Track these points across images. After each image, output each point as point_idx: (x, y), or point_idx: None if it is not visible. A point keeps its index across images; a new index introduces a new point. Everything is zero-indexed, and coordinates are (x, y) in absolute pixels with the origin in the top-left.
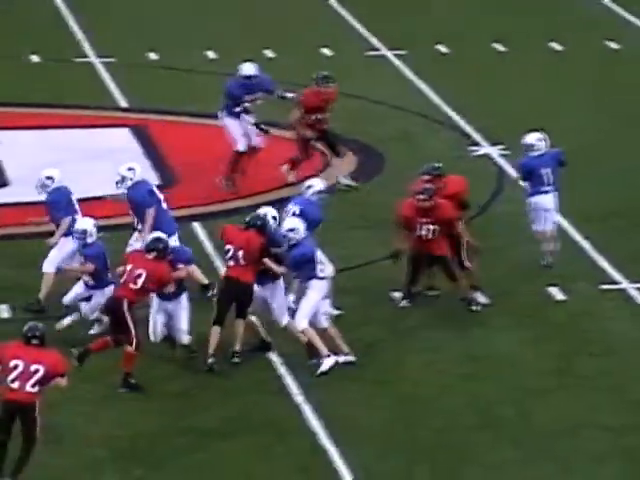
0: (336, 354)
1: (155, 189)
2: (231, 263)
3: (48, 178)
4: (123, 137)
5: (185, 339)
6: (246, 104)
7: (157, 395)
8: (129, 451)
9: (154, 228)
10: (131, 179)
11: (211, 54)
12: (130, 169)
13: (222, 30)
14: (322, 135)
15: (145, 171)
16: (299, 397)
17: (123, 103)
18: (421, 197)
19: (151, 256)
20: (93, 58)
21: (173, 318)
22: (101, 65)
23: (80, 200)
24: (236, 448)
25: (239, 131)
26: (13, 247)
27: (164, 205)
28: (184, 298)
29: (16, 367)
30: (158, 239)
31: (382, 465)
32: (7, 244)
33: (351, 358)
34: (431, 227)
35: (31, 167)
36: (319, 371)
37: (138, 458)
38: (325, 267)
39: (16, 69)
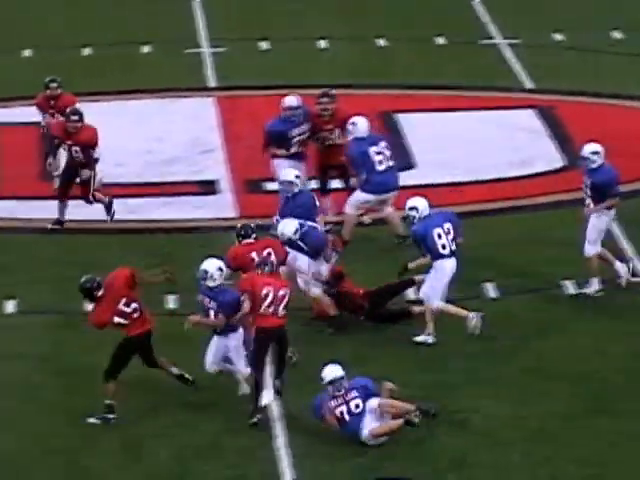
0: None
1: (370, 150)
2: None
3: (594, 153)
4: (529, 118)
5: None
6: None
7: (559, 375)
8: (537, 432)
9: (370, 186)
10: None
11: (617, 34)
12: (353, 123)
13: (628, 10)
14: None
15: (550, 153)
16: None
17: (529, 84)
18: None
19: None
20: (499, 39)
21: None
22: (507, 46)
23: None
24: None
25: None
26: None
27: (381, 166)
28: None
29: (268, 295)
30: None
31: None
32: None
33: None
34: None
35: (439, 149)
36: (416, 339)
37: (546, 439)
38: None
39: (424, 52)
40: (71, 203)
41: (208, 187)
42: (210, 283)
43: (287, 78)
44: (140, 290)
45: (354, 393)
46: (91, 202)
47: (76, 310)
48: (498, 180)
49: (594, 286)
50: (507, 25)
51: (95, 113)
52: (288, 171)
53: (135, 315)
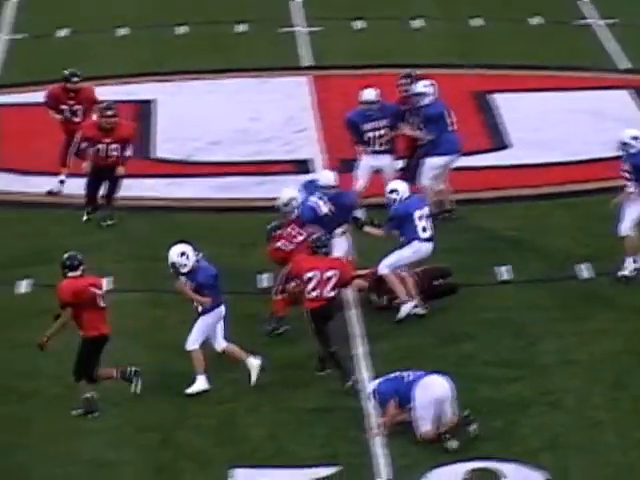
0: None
1: (446, 111)
2: None
3: (634, 138)
4: (624, 99)
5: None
6: None
7: None
8: (630, 414)
9: (441, 147)
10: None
11: None
12: (432, 84)
13: None
14: None
15: None
16: None
17: (624, 65)
18: None
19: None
20: (594, 20)
21: None
22: (602, 27)
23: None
24: None
25: None
26: (510, 210)
27: (452, 127)
28: None
29: (312, 279)
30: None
31: None
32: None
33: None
34: None
35: (532, 130)
36: (397, 317)
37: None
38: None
39: (519, 32)
40: (163, 181)
41: (301, 166)
42: (184, 270)
43: (381, 58)
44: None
45: None
46: (110, 204)
47: (167, 288)
48: (592, 161)
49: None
50: (602, 5)
51: (189, 92)
52: (328, 174)
53: (101, 304)
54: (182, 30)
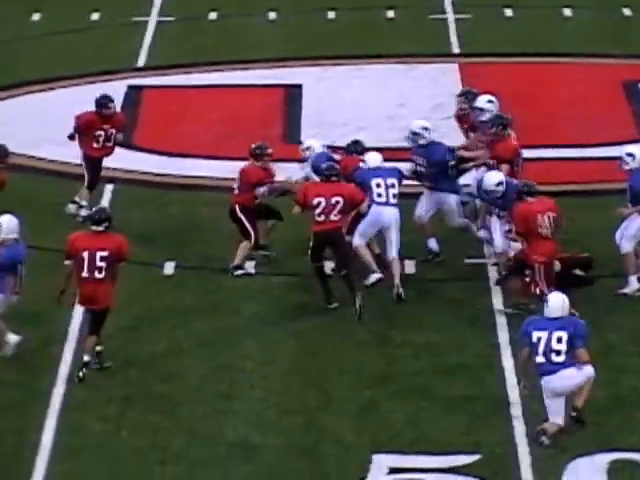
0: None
1: None
2: None
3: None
4: None
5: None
6: None
7: None
8: None
9: None
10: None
11: None
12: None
13: None
14: None
15: None
16: None
17: None
18: None
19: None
20: None
21: None
22: None
23: None
24: None
25: None
26: None
27: None
28: None
29: (320, 204)
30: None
31: None
32: None
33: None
34: None
35: None
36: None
37: None
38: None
39: None
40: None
41: None
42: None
43: (530, 46)
44: None
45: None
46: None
47: (312, 272)
48: None
49: (633, 285)
50: None
51: (337, 77)
52: (494, 176)
53: (84, 274)
54: (332, 15)
